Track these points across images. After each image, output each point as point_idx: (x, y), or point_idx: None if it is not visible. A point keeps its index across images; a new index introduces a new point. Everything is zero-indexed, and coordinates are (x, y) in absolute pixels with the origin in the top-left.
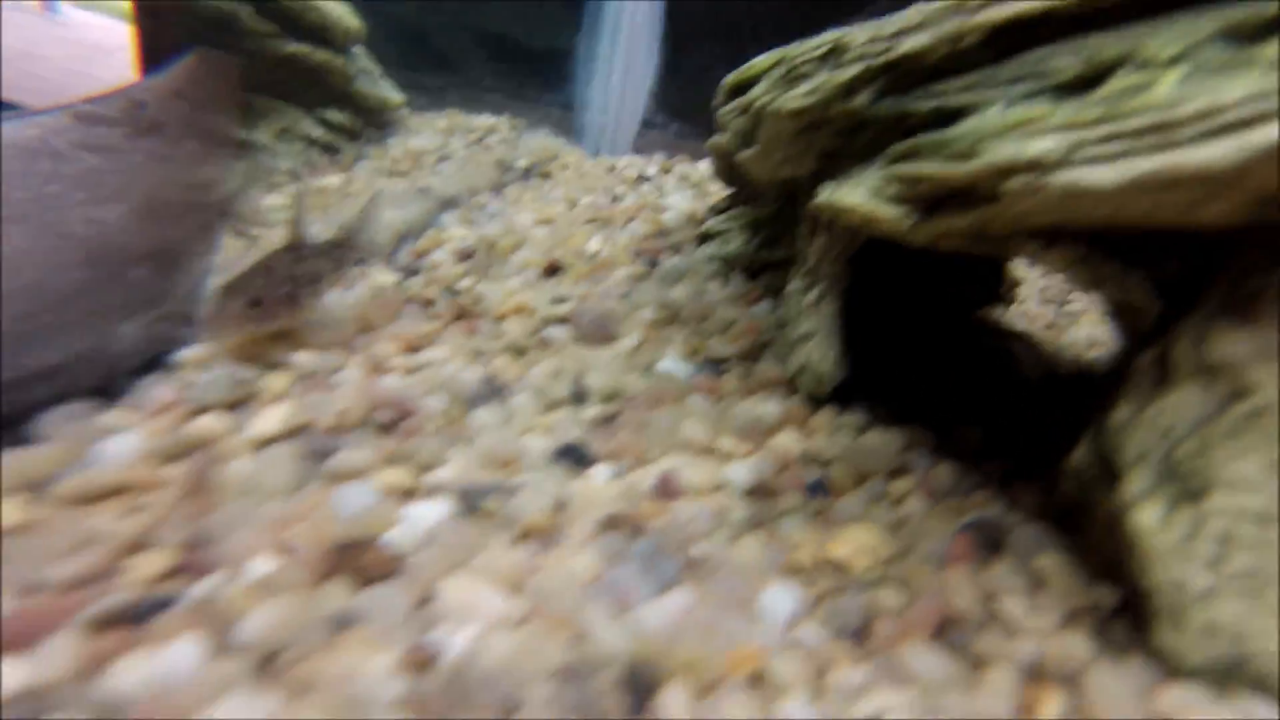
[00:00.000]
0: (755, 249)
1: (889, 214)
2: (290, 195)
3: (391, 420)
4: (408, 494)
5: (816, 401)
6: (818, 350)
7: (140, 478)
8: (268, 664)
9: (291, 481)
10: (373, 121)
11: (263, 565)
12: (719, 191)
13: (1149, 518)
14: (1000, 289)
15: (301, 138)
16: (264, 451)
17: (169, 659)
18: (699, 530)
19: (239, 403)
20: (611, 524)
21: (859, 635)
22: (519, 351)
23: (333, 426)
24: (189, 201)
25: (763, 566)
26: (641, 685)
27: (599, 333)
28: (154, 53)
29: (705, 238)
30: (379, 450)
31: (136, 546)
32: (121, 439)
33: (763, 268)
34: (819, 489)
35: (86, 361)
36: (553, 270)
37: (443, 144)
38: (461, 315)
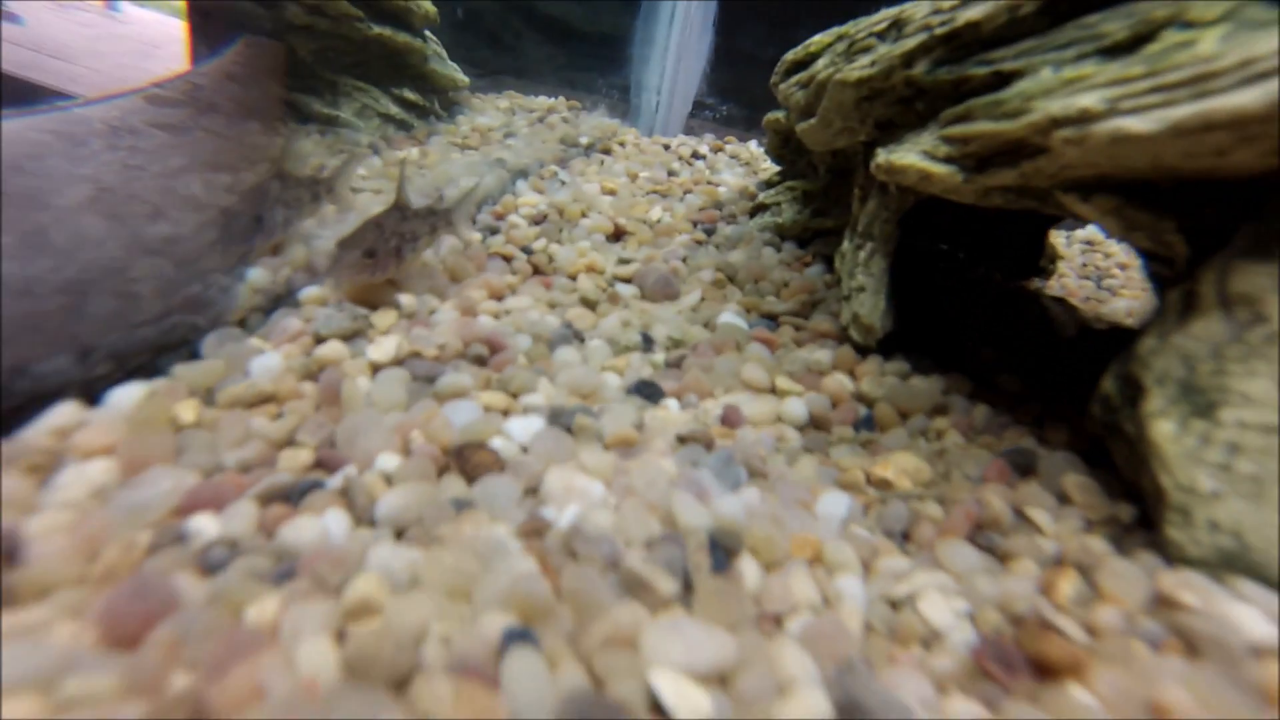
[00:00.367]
0: (807, 218)
1: (941, 171)
2: (394, 164)
3: (485, 354)
4: (505, 412)
5: (865, 350)
6: (868, 303)
7: (284, 389)
8: (404, 532)
9: (405, 399)
10: (441, 101)
11: (389, 461)
12: (769, 169)
13: (1167, 428)
14: (1040, 261)
15: (380, 114)
16: (380, 374)
17: (324, 524)
18: (762, 451)
19: (355, 334)
20: (686, 440)
21: (904, 537)
22: (591, 304)
23: (435, 356)
24: (257, 174)
25: (819, 480)
26: (722, 551)
27: (663, 290)
28: (205, 44)
29: (758, 209)
30: (477, 377)
31: (286, 443)
32: (266, 359)
33: (813, 236)
34: (867, 423)
35: (226, 294)
36: (618, 235)
37: (506, 122)
38: (538, 271)
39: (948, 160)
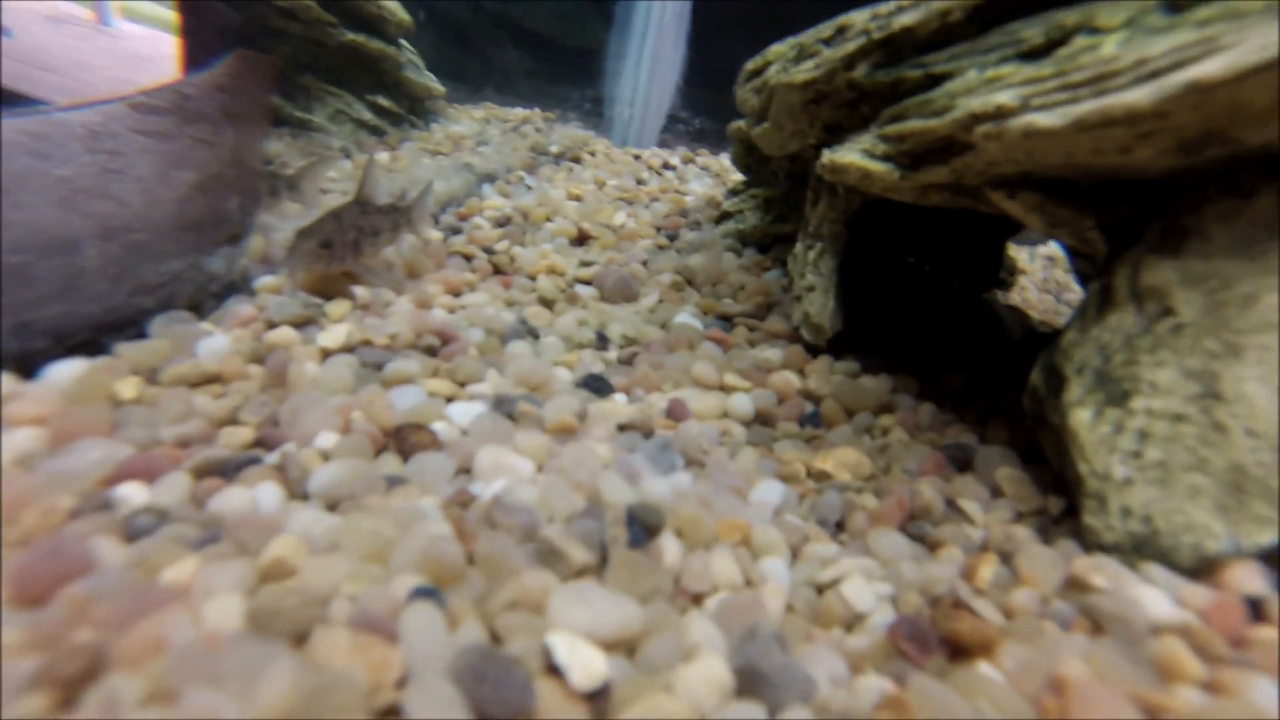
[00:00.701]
0: (767, 224)
1: (880, 169)
2: (358, 163)
3: (436, 344)
4: (450, 399)
5: (816, 350)
6: (817, 303)
7: (230, 370)
8: (334, 504)
9: (352, 382)
10: (416, 109)
11: (328, 439)
12: (738, 180)
13: (1084, 416)
14: (1000, 273)
15: (353, 120)
16: (329, 360)
17: (256, 495)
18: (704, 443)
19: (307, 322)
20: (625, 428)
21: (838, 526)
22: (549, 303)
23: (386, 345)
24: (229, 175)
25: (758, 471)
26: (640, 526)
27: (622, 291)
28: (196, 58)
29: (723, 216)
30: (426, 366)
31: (227, 421)
32: (214, 340)
33: (774, 241)
34: (813, 420)
35: (178, 280)
36: (582, 239)
37: (480, 130)
38: (498, 271)
39: (886, 158)
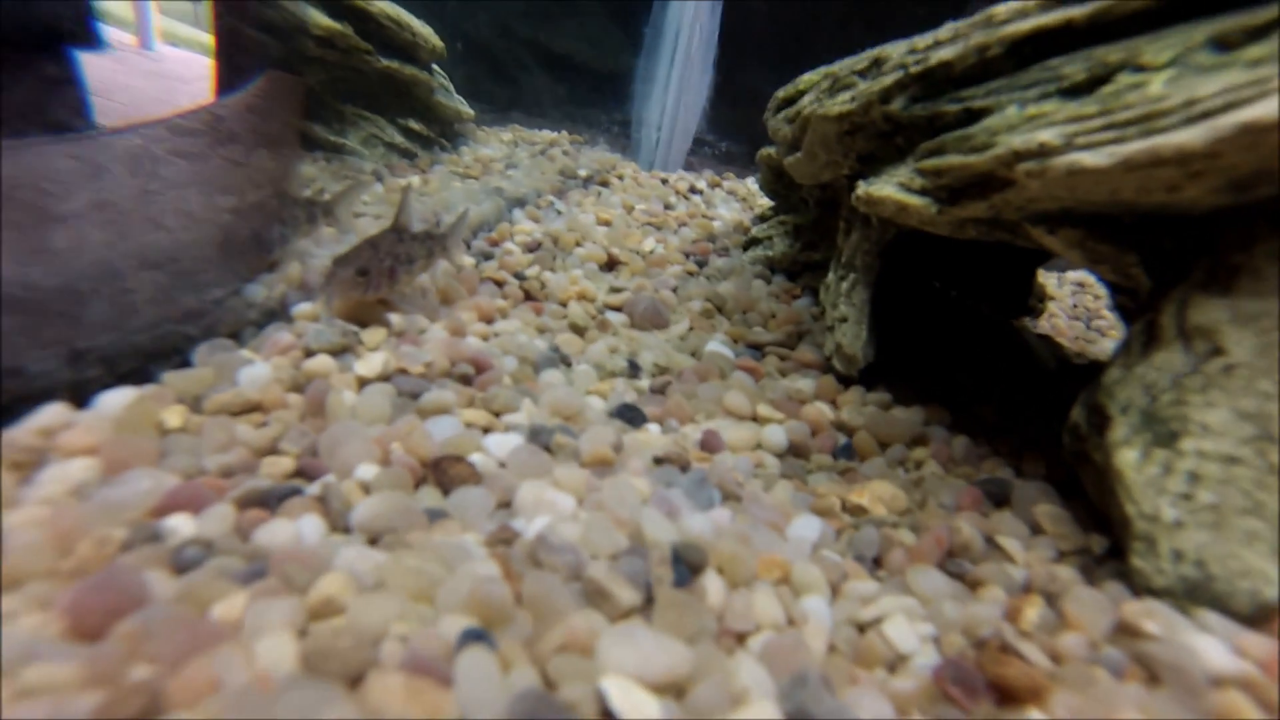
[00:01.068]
0: (796, 251)
1: (917, 203)
2: (390, 186)
3: (471, 373)
4: (486, 429)
5: (848, 380)
6: (850, 333)
7: (270, 398)
8: (377, 539)
9: (389, 412)
10: (445, 132)
11: (368, 470)
12: (765, 204)
13: (1130, 457)
14: (1029, 300)
15: (385, 143)
16: (366, 388)
17: (298, 528)
18: (738, 475)
19: (343, 350)
20: (662, 461)
21: (875, 562)
22: (580, 330)
23: (421, 373)
24: (266, 200)
25: (793, 505)
26: (685, 566)
27: (652, 318)
28: (232, 81)
29: (751, 242)
30: (461, 395)
31: (268, 450)
32: (255, 368)
33: (803, 268)
34: (846, 452)
35: (220, 308)
36: (611, 264)
37: (509, 154)
38: (529, 297)
39: (923, 192)
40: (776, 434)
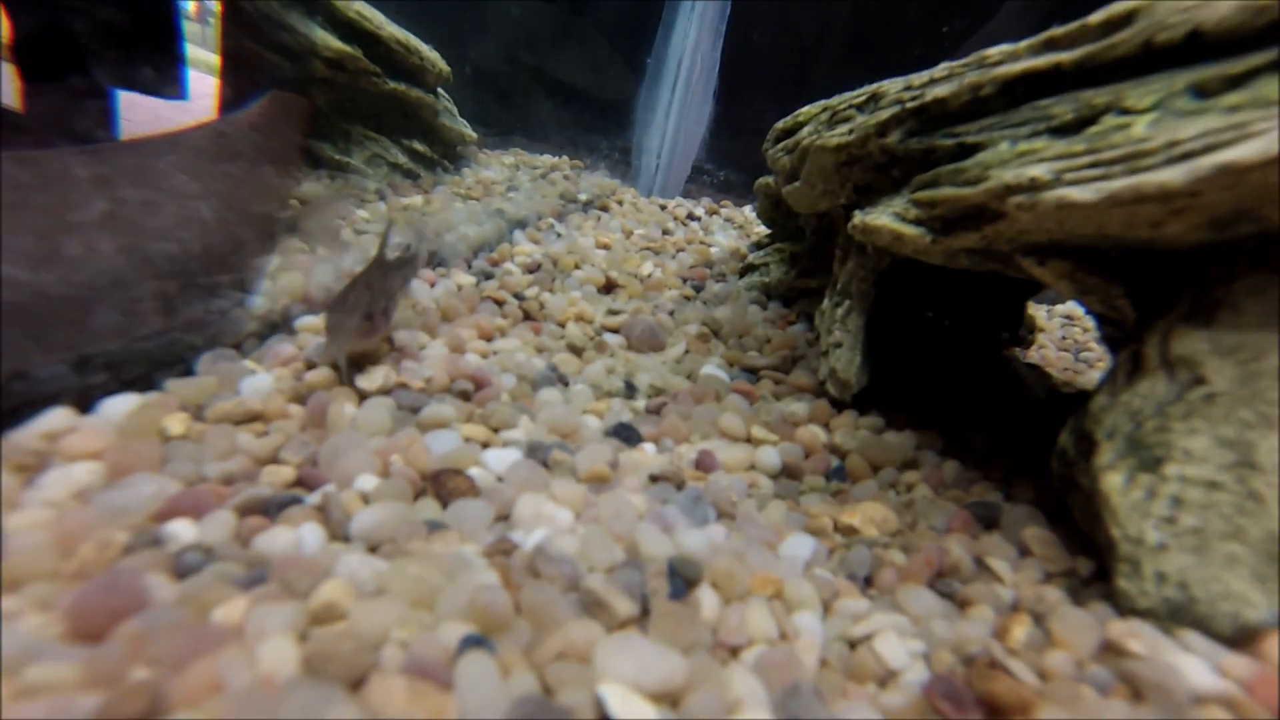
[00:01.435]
0: (792, 278)
1: (912, 233)
2: (382, 218)
3: (470, 389)
4: (485, 444)
5: (841, 405)
6: (844, 358)
7: (272, 408)
8: (377, 548)
9: (389, 425)
10: (449, 154)
11: (368, 481)
12: (761, 232)
13: (1116, 481)
14: (1020, 331)
15: (389, 163)
16: (366, 401)
17: (299, 536)
18: (733, 495)
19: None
20: (658, 479)
21: (866, 581)
22: (578, 350)
23: (421, 388)
24: (260, 210)
25: (786, 524)
26: (681, 579)
27: (649, 341)
28: (235, 99)
29: (748, 269)
30: (460, 410)
31: (269, 459)
32: (256, 379)
33: (798, 295)
34: (839, 474)
35: (224, 318)
36: (609, 287)
37: (510, 176)
38: (528, 317)
39: (917, 222)
40: (770, 455)
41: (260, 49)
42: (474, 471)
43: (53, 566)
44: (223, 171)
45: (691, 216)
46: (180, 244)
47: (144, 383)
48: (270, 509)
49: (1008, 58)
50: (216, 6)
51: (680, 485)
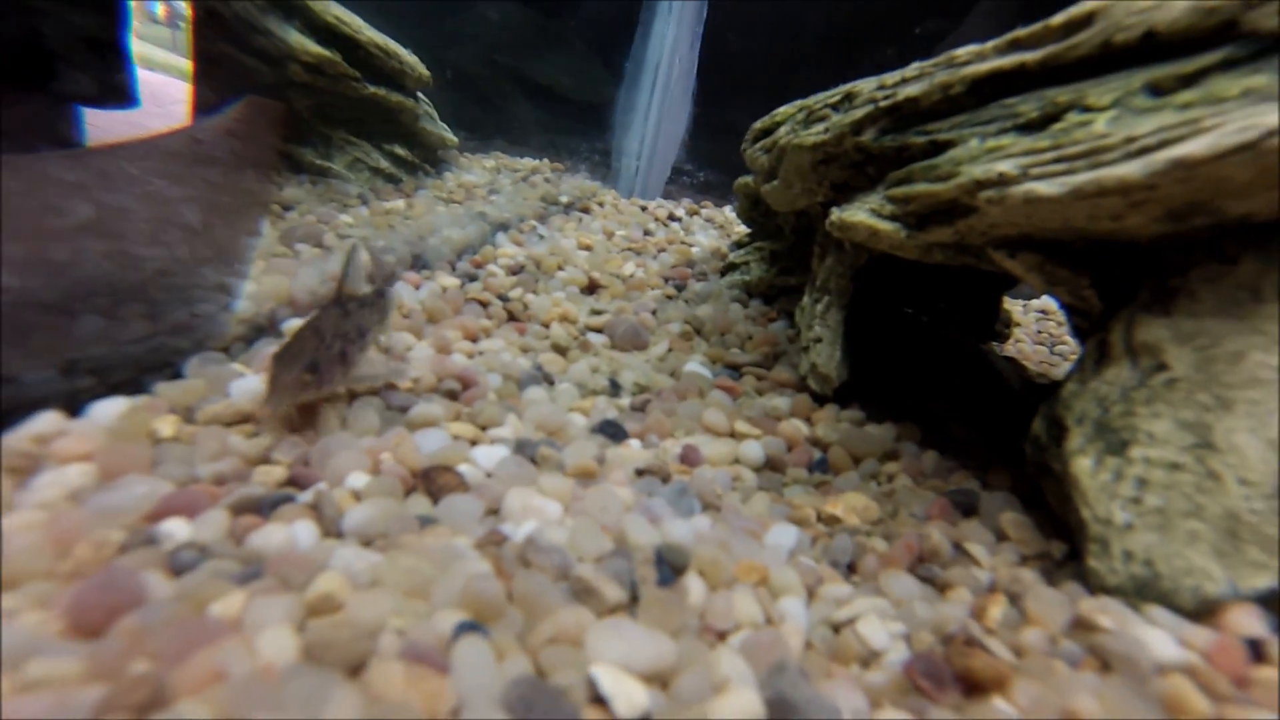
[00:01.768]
0: (772, 276)
1: (888, 228)
2: (382, 213)
3: (457, 389)
4: (473, 442)
5: (822, 399)
6: (824, 353)
7: (261, 410)
8: (370, 543)
9: (378, 425)
10: (430, 158)
11: (359, 479)
12: (742, 231)
13: (1085, 464)
14: (995, 325)
15: (370, 168)
16: (355, 402)
17: (293, 532)
18: (718, 488)
19: None
20: (644, 473)
21: (849, 568)
22: (562, 350)
23: (409, 388)
24: (235, 216)
25: (770, 515)
26: (669, 567)
27: (632, 340)
28: (210, 104)
29: (729, 268)
30: (448, 409)
31: (261, 460)
32: (246, 381)
33: (779, 293)
34: (821, 466)
35: (211, 322)
36: (592, 288)
37: (491, 180)
38: (513, 318)
39: (893, 218)
40: (754, 449)
41: (237, 53)
42: (463, 468)
43: (49, 566)
44: (200, 177)
45: (672, 217)
46: (162, 249)
47: (131, 387)
48: (263, 507)
49: (975, 58)
50: (188, 10)
51: (666, 479)
